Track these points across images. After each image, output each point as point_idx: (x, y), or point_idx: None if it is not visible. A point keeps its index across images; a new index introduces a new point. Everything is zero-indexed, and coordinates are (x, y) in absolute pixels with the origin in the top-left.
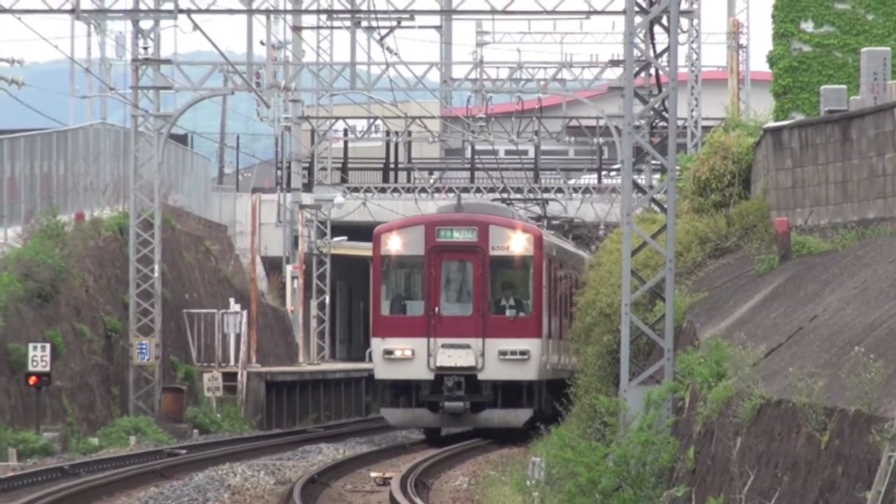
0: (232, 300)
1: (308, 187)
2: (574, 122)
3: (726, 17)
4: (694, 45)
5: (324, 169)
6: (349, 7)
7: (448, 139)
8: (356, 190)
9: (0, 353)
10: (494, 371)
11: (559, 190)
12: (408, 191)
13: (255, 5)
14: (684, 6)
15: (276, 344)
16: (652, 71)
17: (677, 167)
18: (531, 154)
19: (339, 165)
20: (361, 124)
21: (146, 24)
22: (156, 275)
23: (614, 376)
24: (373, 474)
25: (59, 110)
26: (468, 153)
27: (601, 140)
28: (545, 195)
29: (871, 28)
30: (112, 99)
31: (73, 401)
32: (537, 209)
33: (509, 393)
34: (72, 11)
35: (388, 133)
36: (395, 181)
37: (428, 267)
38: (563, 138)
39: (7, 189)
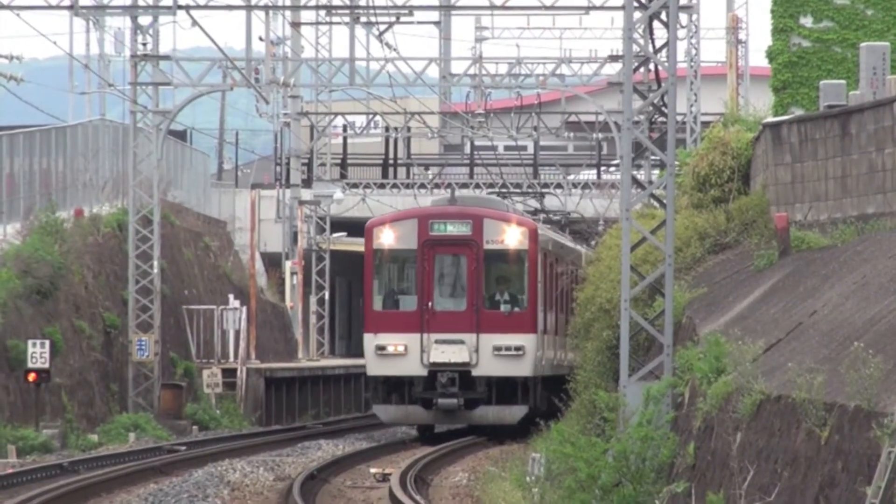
0: (231, 296)
1: (307, 183)
2: (573, 118)
3: (725, 12)
4: (693, 41)
5: (323, 165)
6: (348, 3)
7: (447, 135)
8: (355, 186)
9: None
10: (489, 367)
11: (558, 185)
12: (407, 186)
13: (253, 1)
14: (683, 1)
15: (276, 340)
16: (651, 66)
17: (676, 162)
18: (530, 150)
19: (339, 161)
20: (360, 120)
21: (145, 20)
22: (155, 271)
23: (614, 372)
24: (372, 470)
25: (58, 106)
26: (467, 149)
27: (600, 135)
28: (542, 189)
29: (871, 23)
30: (111, 95)
31: (73, 397)
32: (534, 203)
33: (504, 389)
34: (70, 7)
35: (387, 129)
36: (395, 177)
37: (421, 261)
38: (563, 134)
39: (6, 185)
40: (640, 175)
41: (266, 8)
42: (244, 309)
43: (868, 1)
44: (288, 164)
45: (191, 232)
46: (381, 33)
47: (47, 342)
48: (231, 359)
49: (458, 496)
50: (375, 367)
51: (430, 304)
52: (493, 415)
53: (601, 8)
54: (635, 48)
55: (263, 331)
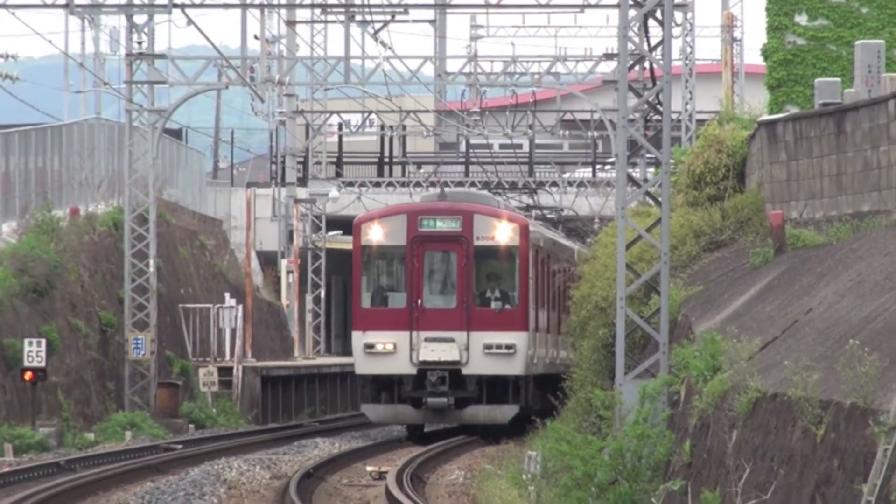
0: (227, 295)
1: (303, 182)
2: (568, 116)
3: (720, 10)
4: (688, 39)
5: (318, 163)
6: (343, 1)
7: (442, 133)
8: (351, 184)
9: None
10: (479, 365)
11: (554, 183)
12: (402, 185)
13: (248, 0)
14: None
15: (272, 338)
16: (646, 64)
17: (672, 161)
18: (526, 148)
19: (334, 159)
20: (356, 118)
21: (140, 18)
22: (151, 270)
23: (610, 370)
24: (369, 468)
25: (54, 105)
26: (463, 147)
27: (595, 133)
28: (536, 187)
29: (866, 21)
30: (106, 94)
31: (69, 396)
32: (527, 199)
33: (495, 388)
34: (66, 6)
35: (382, 127)
36: (390, 175)
37: (410, 258)
38: (558, 132)
39: (2, 184)
40: (636, 173)
41: (261, 6)
42: (240, 307)
43: None
44: (283, 162)
45: (186, 230)
46: (376, 31)
47: (43, 341)
48: (227, 357)
49: (455, 494)
50: (364, 365)
51: (419, 301)
52: (483, 414)
53: (596, 6)
54: (630, 46)
55: (259, 329)
